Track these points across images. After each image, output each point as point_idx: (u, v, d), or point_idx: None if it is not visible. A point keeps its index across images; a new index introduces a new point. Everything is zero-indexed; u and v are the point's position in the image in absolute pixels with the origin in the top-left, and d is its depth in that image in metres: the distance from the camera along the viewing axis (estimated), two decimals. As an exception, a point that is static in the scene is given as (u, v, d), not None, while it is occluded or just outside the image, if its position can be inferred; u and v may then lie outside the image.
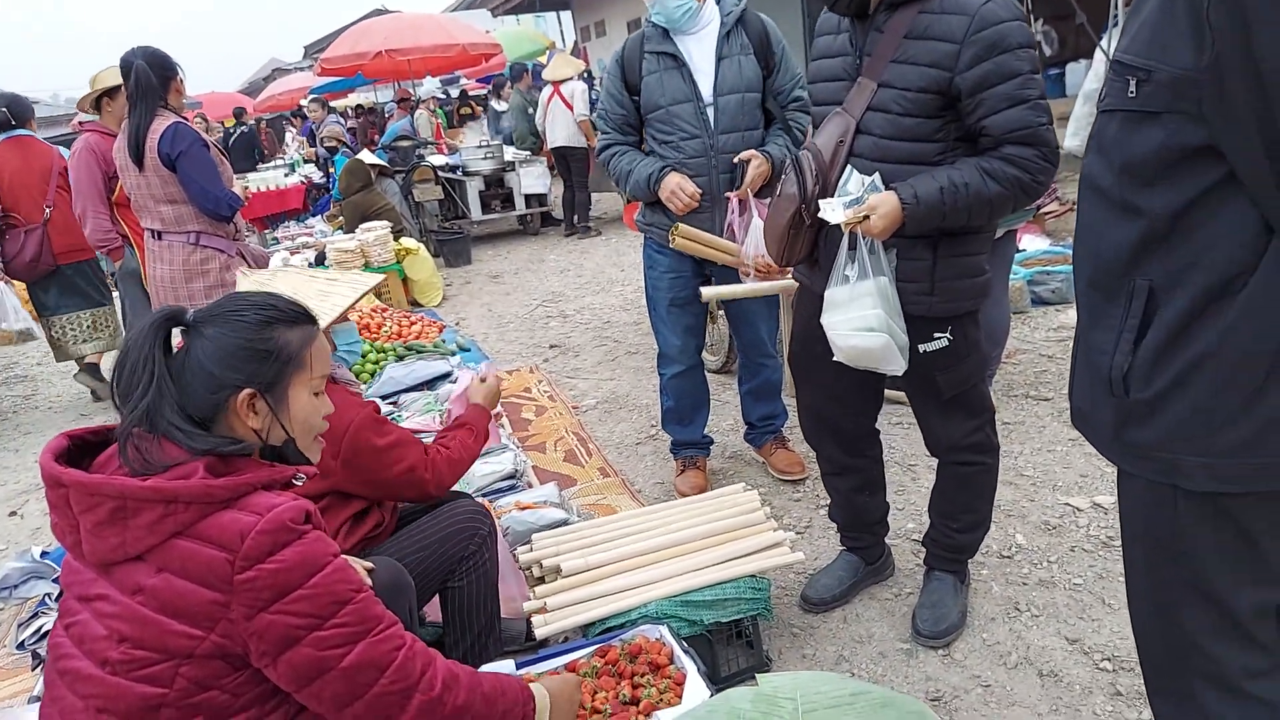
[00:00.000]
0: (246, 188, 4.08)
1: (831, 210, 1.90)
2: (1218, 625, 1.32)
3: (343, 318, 2.05)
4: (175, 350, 1.32)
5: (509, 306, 6.56)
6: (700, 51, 2.76)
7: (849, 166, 1.95)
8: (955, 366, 2.10)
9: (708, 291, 2.78)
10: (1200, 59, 1.05)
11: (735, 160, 2.76)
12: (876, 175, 1.91)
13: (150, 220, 3.65)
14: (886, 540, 2.65)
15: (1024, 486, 3.00)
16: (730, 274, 2.92)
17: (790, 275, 2.46)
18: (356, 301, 1.94)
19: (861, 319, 1.91)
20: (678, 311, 3.03)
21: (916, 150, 1.91)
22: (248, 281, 2.03)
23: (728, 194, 2.78)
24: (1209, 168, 1.10)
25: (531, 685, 1.56)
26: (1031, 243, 5.66)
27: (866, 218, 1.86)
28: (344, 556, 1.29)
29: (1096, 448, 1.43)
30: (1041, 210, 5.54)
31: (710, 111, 2.76)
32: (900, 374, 2.00)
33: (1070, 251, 5.14)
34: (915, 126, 1.89)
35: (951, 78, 1.81)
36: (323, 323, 1.70)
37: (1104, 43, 7.58)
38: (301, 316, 1.41)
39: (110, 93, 4.16)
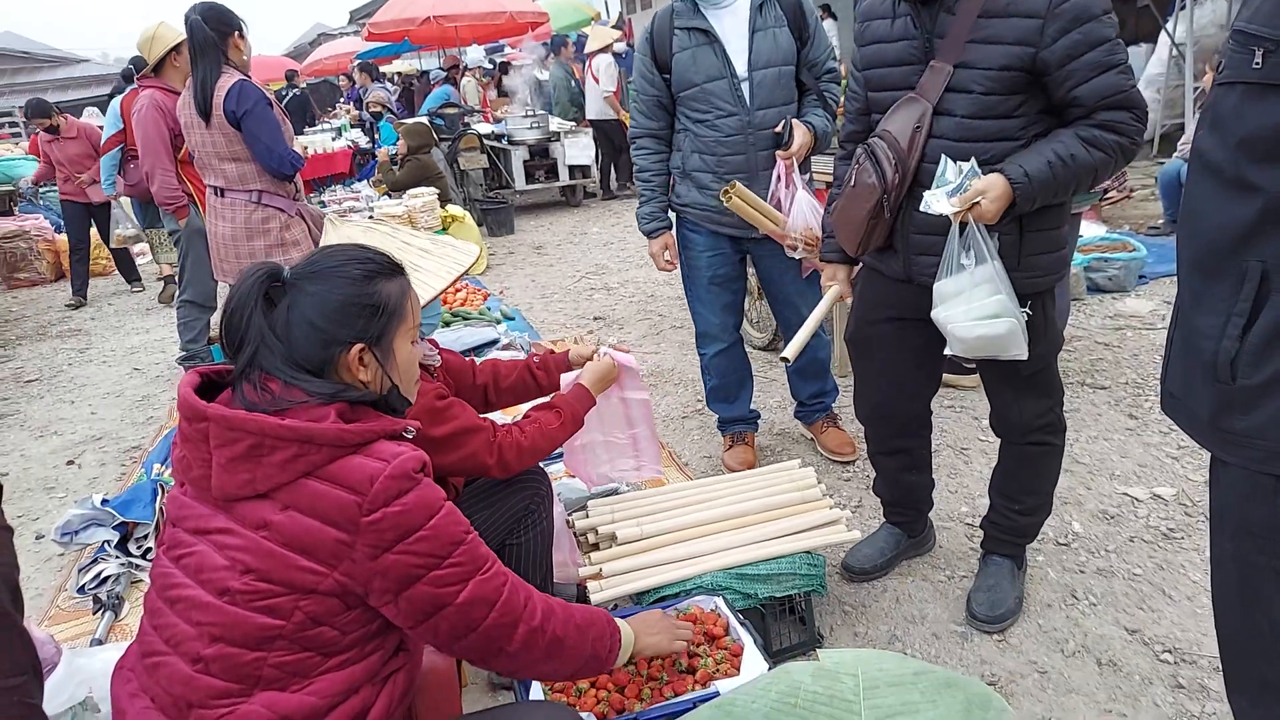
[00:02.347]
0: (306, 148, 4.07)
1: (937, 202, 1.86)
2: (1309, 616, 1.28)
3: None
4: (275, 307, 1.33)
5: (552, 278, 6.56)
6: (733, 25, 2.69)
7: (943, 156, 1.90)
8: (1035, 343, 2.06)
9: (790, 352, 2.31)
10: (1336, 28, 1.01)
11: (777, 129, 2.70)
12: (973, 160, 1.87)
13: (214, 178, 3.68)
14: (938, 523, 2.63)
15: (1080, 474, 2.95)
16: (768, 248, 2.86)
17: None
18: (454, 282, 1.93)
19: (983, 307, 1.87)
20: (716, 290, 2.99)
21: (1001, 128, 1.88)
22: (336, 233, 2.02)
23: (778, 152, 2.71)
24: (1337, 143, 1.05)
25: (616, 621, 1.60)
26: (1088, 229, 5.52)
27: (977, 203, 1.81)
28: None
29: (1190, 434, 1.39)
30: (1105, 195, 5.42)
31: (746, 87, 2.70)
32: (1024, 359, 1.94)
33: (1128, 239, 5.06)
34: (998, 104, 1.87)
35: (1036, 52, 1.79)
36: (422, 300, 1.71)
37: (1169, 26, 7.38)
38: (396, 267, 1.43)
39: (176, 49, 4.19)
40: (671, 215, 3.01)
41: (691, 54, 2.70)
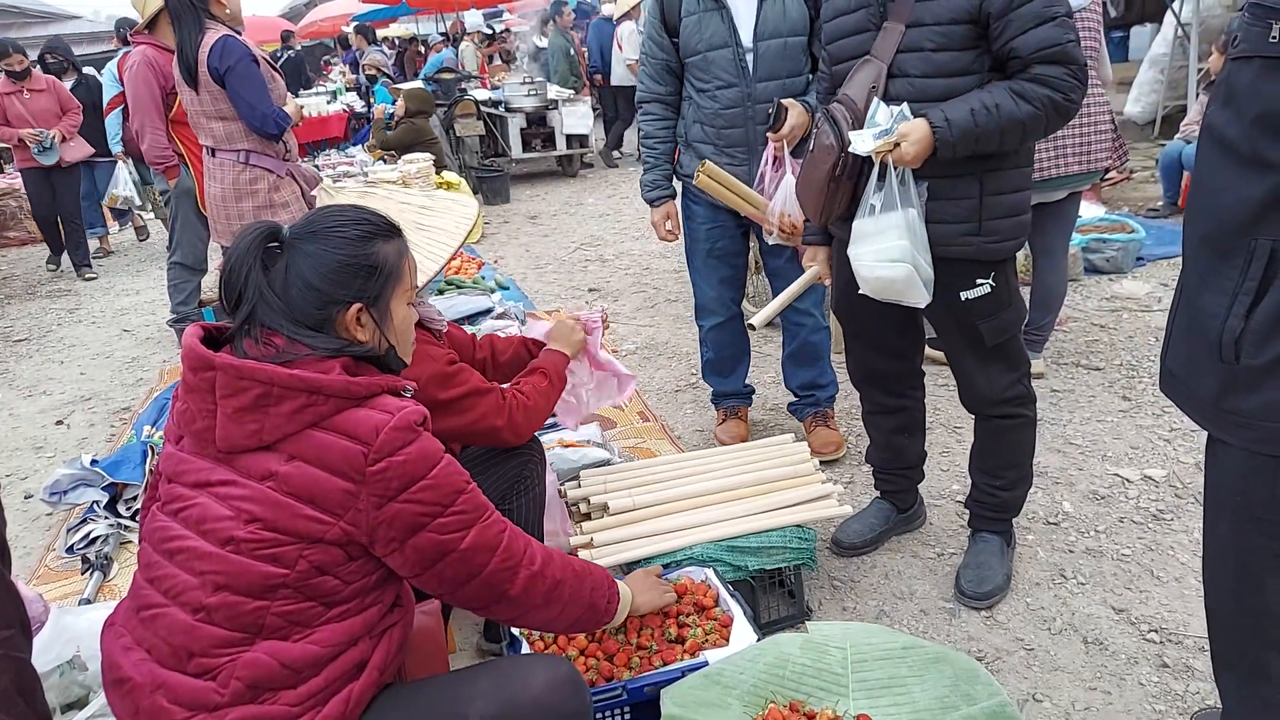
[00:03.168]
0: (301, 107, 3.94)
1: (861, 141, 1.88)
2: (1299, 598, 1.28)
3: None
4: (273, 266, 1.33)
5: (547, 248, 6.51)
6: None
7: (876, 99, 1.92)
8: (998, 314, 2.08)
9: (758, 321, 2.37)
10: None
11: (769, 111, 2.54)
12: (905, 105, 1.89)
13: (204, 137, 3.62)
14: (930, 501, 2.63)
15: (1072, 455, 2.95)
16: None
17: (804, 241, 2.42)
18: (464, 243, 1.91)
19: (886, 249, 1.91)
20: (715, 263, 2.96)
21: (954, 85, 1.89)
22: (332, 201, 2.00)
23: (768, 133, 2.58)
24: (1353, 122, 1.04)
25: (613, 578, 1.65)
26: (1087, 209, 5.50)
27: (897, 145, 1.83)
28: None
29: (1189, 413, 1.39)
30: (1106, 175, 5.39)
31: (749, 58, 2.62)
32: (923, 306, 1.98)
33: (1127, 220, 5.04)
34: (950, 61, 1.89)
35: (980, 3, 1.82)
36: (423, 276, 1.71)
37: (1175, 5, 7.31)
38: (394, 229, 1.42)
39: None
40: (677, 184, 2.97)
41: (698, 19, 2.64)
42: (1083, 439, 3.05)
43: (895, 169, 1.87)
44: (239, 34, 3.53)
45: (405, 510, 1.26)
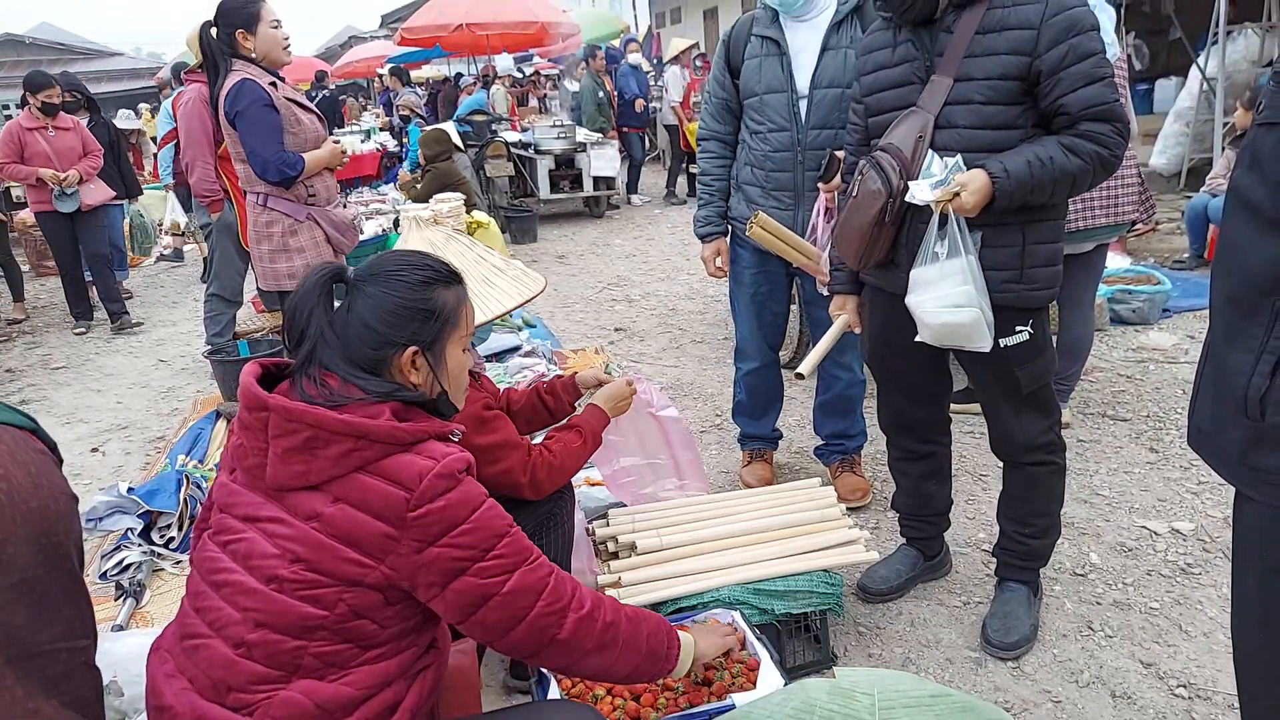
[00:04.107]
0: (344, 151, 3.82)
1: (920, 191, 1.93)
2: (1329, 655, 1.28)
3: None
4: (337, 306, 1.38)
5: (574, 288, 6.59)
6: (807, 40, 2.65)
7: (930, 152, 1.98)
8: (1034, 361, 2.12)
9: (805, 369, 2.36)
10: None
11: (822, 161, 2.57)
12: (959, 156, 1.94)
13: (240, 179, 3.62)
14: (955, 549, 2.64)
15: (1099, 506, 2.95)
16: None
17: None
18: (520, 305, 1.97)
19: (950, 295, 1.95)
20: (758, 308, 2.99)
21: (1001, 138, 1.95)
22: (415, 237, 2.08)
23: (819, 183, 2.62)
24: (1377, 188, 1.07)
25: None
26: (1113, 260, 5.51)
27: (957, 194, 1.88)
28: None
29: (1216, 469, 1.40)
30: (1133, 227, 5.41)
31: (803, 105, 2.66)
32: (987, 350, 2.00)
33: (1153, 272, 5.05)
34: (998, 114, 1.95)
35: (1031, 61, 1.88)
36: (480, 318, 1.75)
37: (1200, 60, 7.36)
38: (455, 276, 1.46)
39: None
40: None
41: (759, 63, 2.70)
42: (1109, 490, 3.04)
43: (954, 218, 1.92)
44: (276, 75, 3.49)
45: (445, 555, 1.27)
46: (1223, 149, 6.40)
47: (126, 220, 7.13)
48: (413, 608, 1.33)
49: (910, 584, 2.52)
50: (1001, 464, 2.32)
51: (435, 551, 1.27)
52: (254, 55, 3.31)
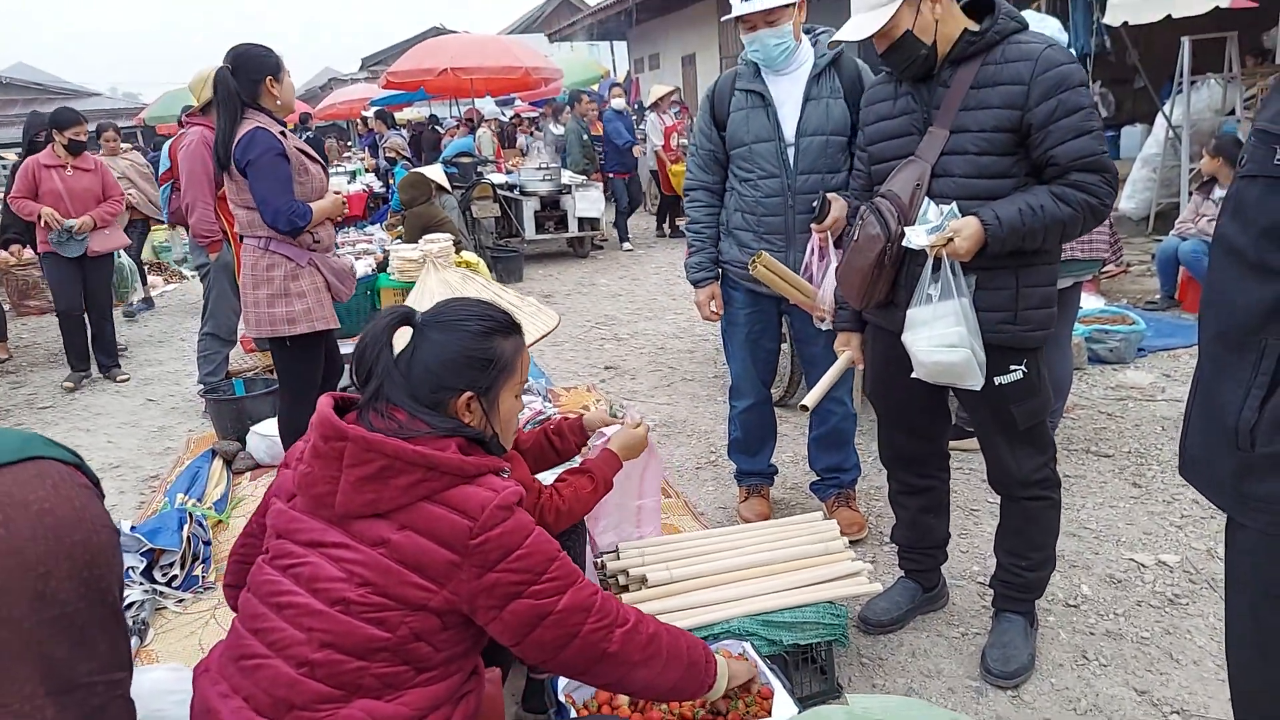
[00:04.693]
0: (344, 201, 3.76)
1: (916, 236, 2.04)
2: (1318, 675, 1.36)
3: None
4: (402, 348, 1.47)
5: (563, 326, 6.65)
6: (789, 91, 2.80)
7: (926, 199, 2.09)
8: (1029, 399, 2.20)
9: (810, 401, 2.45)
10: (1352, 135, 1.13)
11: (814, 204, 2.73)
12: (954, 204, 2.05)
13: (236, 223, 3.55)
14: (951, 582, 2.71)
15: (1087, 539, 3.03)
16: (806, 314, 2.93)
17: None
18: (536, 342, 2.04)
19: (943, 335, 2.05)
20: (751, 347, 3.08)
21: (995, 186, 2.06)
22: (434, 278, 2.14)
23: (812, 224, 2.75)
24: (1352, 236, 1.17)
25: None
26: (1088, 301, 5.68)
27: (950, 240, 1.98)
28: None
29: (1209, 497, 1.48)
30: (1103, 268, 5.59)
31: (791, 152, 2.79)
32: (978, 389, 2.09)
33: (1127, 312, 5.21)
34: (992, 164, 2.05)
35: (1023, 114, 1.99)
36: None
37: (1166, 108, 7.66)
38: (515, 326, 1.56)
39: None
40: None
41: (745, 115, 2.83)
42: (1096, 524, 3.14)
43: (948, 261, 2.02)
44: (283, 123, 3.50)
45: (503, 579, 1.35)
46: (1189, 194, 6.64)
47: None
48: (463, 633, 1.40)
49: (910, 615, 2.58)
50: (998, 498, 2.40)
51: (494, 577, 1.34)
52: (278, 103, 3.34)
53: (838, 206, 2.71)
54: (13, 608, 1.16)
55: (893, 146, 2.21)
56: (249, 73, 3.29)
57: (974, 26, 2.05)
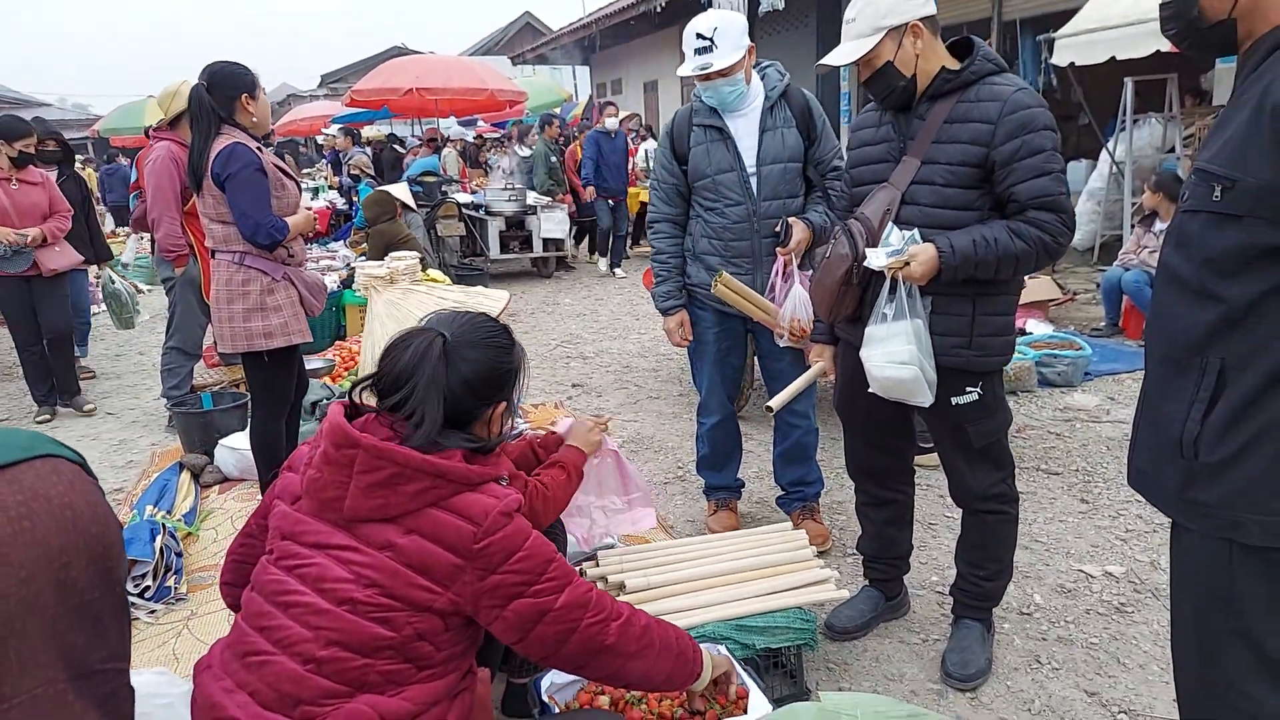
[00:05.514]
0: (315, 216, 3.75)
1: (876, 258, 2.17)
2: (1257, 670, 1.48)
3: None
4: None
5: (528, 345, 6.64)
6: (745, 125, 2.95)
7: (890, 224, 2.22)
8: (984, 419, 2.33)
9: (775, 403, 2.68)
10: (1280, 175, 1.27)
11: (777, 228, 2.92)
12: (916, 230, 2.18)
13: (208, 239, 3.52)
14: (911, 591, 2.83)
15: (1039, 551, 3.18)
16: (770, 331, 3.05)
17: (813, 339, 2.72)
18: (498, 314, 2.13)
19: (895, 353, 2.18)
20: (719, 365, 3.20)
21: (959, 217, 2.19)
22: (380, 300, 2.21)
23: (777, 248, 2.92)
24: (1282, 265, 1.31)
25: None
26: (1037, 327, 5.92)
27: (907, 264, 2.11)
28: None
29: (1155, 504, 1.61)
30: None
31: (754, 180, 2.94)
32: (927, 406, 2.22)
33: (1074, 338, 5.43)
34: (956, 196, 2.18)
35: (988, 152, 2.12)
36: None
37: (1109, 145, 8.01)
38: (513, 335, 1.68)
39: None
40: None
41: (706, 148, 2.96)
42: (1047, 537, 3.29)
43: (904, 284, 2.14)
44: (259, 139, 3.48)
45: (505, 580, 1.42)
46: (1132, 226, 6.95)
47: (97, 288, 6.24)
48: (462, 634, 1.47)
49: (873, 623, 2.69)
50: (956, 513, 2.53)
51: (498, 578, 1.42)
52: (254, 120, 3.35)
53: (799, 230, 2.89)
54: (38, 596, 1.20)
55: (871, 171, 2.34)
56: (225, 89, 3.30)
57: (953, 65, 2.19)
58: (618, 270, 9.83)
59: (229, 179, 3.25)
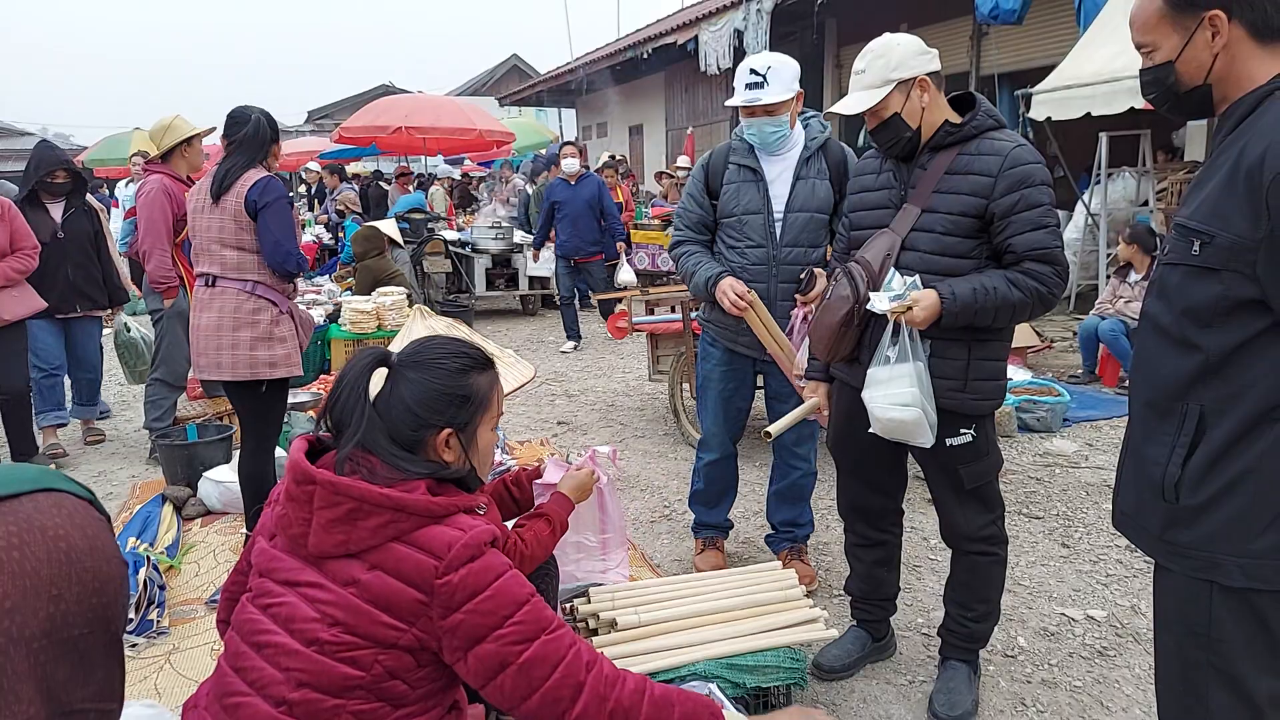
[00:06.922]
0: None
1: (879, 301, 2.22)
2: (1237, 707, 1.52)
3: None
4: (380, 389, 1.51)
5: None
6: (780, 170, 3.03)
7: (893, 269, 2.28)
8: (976, 461, 2.38)
9: (775, 429, 2.67)
10: (1256, 230, 1.34)
11: (801, 275, 2.93)
12: (917, 276, 2.24)
13: (209, 264, 3.48)
14: (897, 633, 2.85)
15: (1021, 594, 3.22)
16: (780, 371, 3.07)
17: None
18: (513, 392, 2.11)
19: (898, 395, 2.22)
20: (724, 404, 3.24)
21: (956, 265, 2.25)
22: (419, 326, 2.23)
23: (796, 294, 2.95)
24: (1258, 316, 1.38)
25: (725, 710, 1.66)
26: (1017, 373, 6.02)
27: (910, 308, 2.17)
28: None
29: (1139, 545, 1.66)
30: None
31: (778, 225, 3.01)
32: (928, 446, 2.26)
33: (1053, 385, 5.53)
34: (955, 244, 2.25)
35: (987, 204, 2.20)
36: None
37: (1085, 197, 8.22)
38: (489, 362, 1.61)
39: (187, 142, 4.39)
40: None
41: (738, 188, 3.03)
42: (1030, 580, 3.33)
43: (906, 328, 2.20)
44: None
45: (467, 621, 1.36)
46: (1107, 277, 7.11)
47: (110, 334, 5.57)
48: (440, 670, 1.43)
49: (860, 663, 2.70)
50: (940, 556, 2.56)
51: (458, 618, 1.36)
52: (275, 165, 3.51)
53: (821, 281, 2.91)
54: (24, 627, 1.20)
55: (871, 216, 2.41)
56: (273, 131, 3.50)
57: (956, 119, 2.28)
58: (576, 344, 8.05)
59: (266, 207, 3.35)
